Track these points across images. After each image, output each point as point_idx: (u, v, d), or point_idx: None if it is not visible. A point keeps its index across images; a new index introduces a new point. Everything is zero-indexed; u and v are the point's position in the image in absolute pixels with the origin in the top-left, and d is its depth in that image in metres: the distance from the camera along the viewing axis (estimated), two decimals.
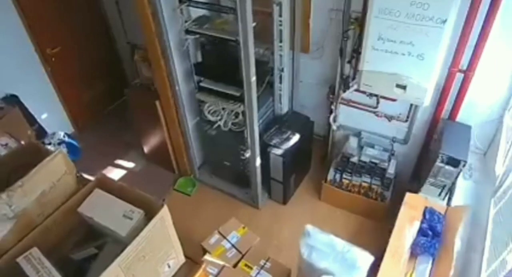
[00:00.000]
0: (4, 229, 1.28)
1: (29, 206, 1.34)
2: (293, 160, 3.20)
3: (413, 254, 2.39)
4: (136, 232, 1.27)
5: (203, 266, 1.59)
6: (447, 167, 2.64)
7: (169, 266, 1.50)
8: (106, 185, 1.45)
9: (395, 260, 2.30)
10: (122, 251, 1.22)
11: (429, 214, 2.53)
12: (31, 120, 3.61)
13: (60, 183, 1.44)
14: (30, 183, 1.33)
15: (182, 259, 1.57)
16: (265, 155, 3.13)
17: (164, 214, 1.36)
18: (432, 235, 2.42)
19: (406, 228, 2.46)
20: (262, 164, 3.16)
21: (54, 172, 1.42)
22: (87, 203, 1.39)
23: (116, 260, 1.20)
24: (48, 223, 1.37)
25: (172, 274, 1.53)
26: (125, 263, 1.24)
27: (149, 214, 1.34)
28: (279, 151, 3.11)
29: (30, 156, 1.42)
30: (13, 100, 3.51)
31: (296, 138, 3.18)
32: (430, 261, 2.35)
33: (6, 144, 2.27)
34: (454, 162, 2.61)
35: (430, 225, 2.47)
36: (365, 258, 2.05)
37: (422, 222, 2.50)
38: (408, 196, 2.65)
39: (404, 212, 2.54)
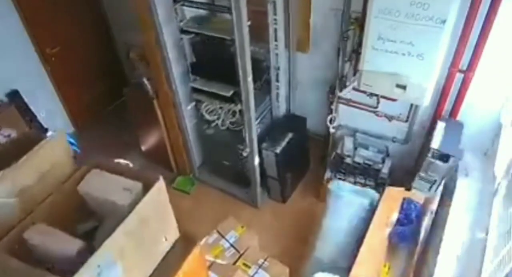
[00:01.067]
0: (7, 206, 1.31)
1: (31, 185, 1.37)
2: (287, 157, 3.20)
3: (392, 244, 2.44)
4: (136, 202, 1.32)
5: (199, 243, 1.64)
6: (437, 162, 2.66)
7: (166, 239, 1.54)
8: (103, 165, 1.49)
9: (372, 251, 2.37)
10: (124, 218, 1.26)
11: (406, 204, 2.57)
12: (30, 116, 3.61)
13: (58, 165, 1.48)
14: (32, 161, 1.36)
15: (177, 233, 1.62)
16: (259, 152, 3.14)
17: (161, 186, 1.41)
18: (407, 223, 2.48)
19: (384, 219, 2.52)
20: (260, 163, 3.16)
21: (53, 153, 1.46)
22: (85, 181, 1.43)
23: (118, 227, 1.24)
24: (48, 203, 1.41)
25: (169, 248, 1.58)
26: (127, 231, 1.28)
27: (147, 187, 1.38)
28: (271, 148, 3.12)
29: (29, 143, 1.44)
30: (14, 95, 3.53)
31: (289, 136, 3.19)
32: (408, 249, 2.39)
33: (9, 135, 2.29)
34: (445, 157, 2.64)
35: (406, 214, 2.53)
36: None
37: (399, 213, 2.55)
38: (388, 189, 2.70)
39: (382, 205, 2.60)
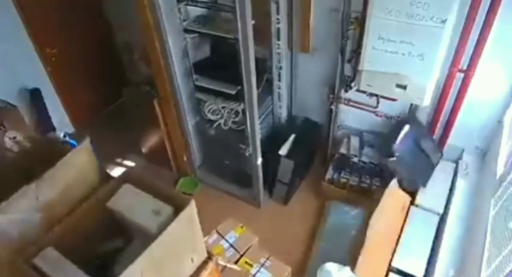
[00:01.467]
0: (31, 220, 1.29)
1: (54, 198, 1.35)
2: (301, 163, 3.22)
3: None
4: (164, 227, 1.28)
5: (214, 259, 1.60)
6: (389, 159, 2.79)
7: (192, 261, 1.50)
8: (133, 180, 1.45)
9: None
10: (149, 245, 1.23)
11: None
12: (44, 115, 3.74)
13: (83, 175, 1.45)
14: (57, 174, 1.34)
15: (204, 254, 1.57)
16: (274, 158, 3.15)
17: (191, 209, 1.37)
18: None
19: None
20: (268, 166, 3.17)
21: (78, 164, 1.44)
22: (116, 198, 1.39)
23: (143, 253, 1.20)
24: (75, 216, 1.38)
25: (195, 269, 1.53)
26: (152, 256, 1.25)
27: (176, 208, 1.35)
28: (291, 156, 3.14)
29: (47, 152, 1.43)
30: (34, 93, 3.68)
31: (307, 144, 3.20)
32: None
33: (15, 138, 2.29)
34: (389, 154, 2.79)
35: None
36: None
37: None
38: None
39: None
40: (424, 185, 2.88)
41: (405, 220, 2.77)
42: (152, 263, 1.26)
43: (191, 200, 1.36)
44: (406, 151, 2.80)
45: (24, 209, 1.27)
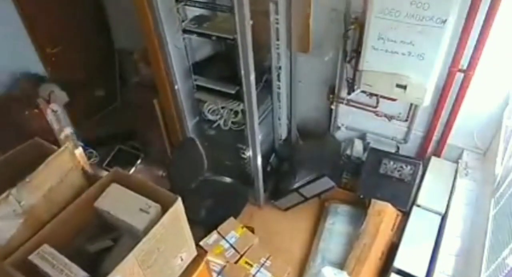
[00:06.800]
0: (14, 225, 1.28)
1: (38, 202, 1.34)
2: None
3: None
4: (152, 225, 1.29)
5: (205, 258, 1.60)
6: None
7: (181, 259, 1.51)
8: (121, 179, 1.44)
9: None
10: (137, 243, 1.23)
11: None
12: None
13: (67, 178, 1.44)
14: (38, 178, 1.33)
15: (194, 252, 1.58)
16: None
17: (178, 207, 1.37)
18: None
19: None
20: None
21: (61, 167, 1.42)
22: (103, 197, 1.39)
23: (132, 252, 1.20)
24: (62, 216, 1.37)
25: (185, 267, 1.54)
26: (140, 255, 1.25)
27: (164, 207, 1.35)
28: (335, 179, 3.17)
29: (36, 154, 1.41)
30: None
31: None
32: None
33: (56, 111, 2.29)
34: None
35: None
36: None
37: None
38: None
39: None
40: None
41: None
42: (141, 261, 1.26)
43: (178, 198, 1.36)
44: None
45: (6, 214, 1.26)
